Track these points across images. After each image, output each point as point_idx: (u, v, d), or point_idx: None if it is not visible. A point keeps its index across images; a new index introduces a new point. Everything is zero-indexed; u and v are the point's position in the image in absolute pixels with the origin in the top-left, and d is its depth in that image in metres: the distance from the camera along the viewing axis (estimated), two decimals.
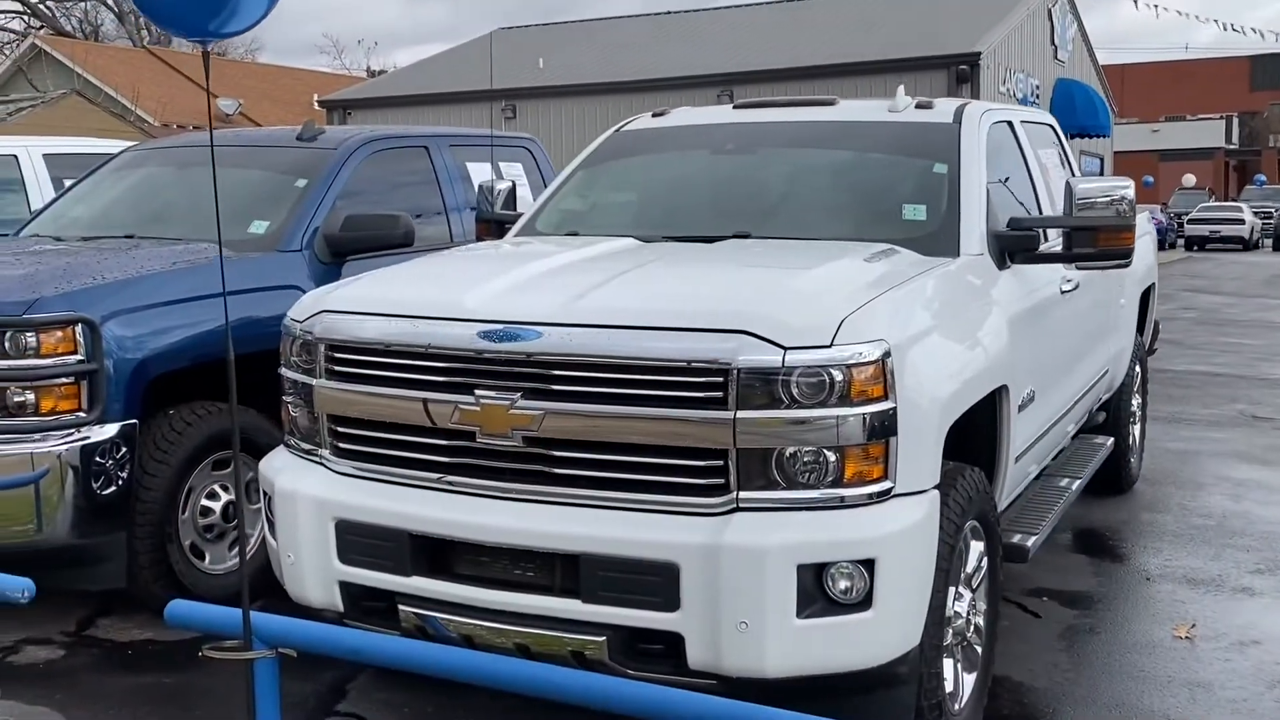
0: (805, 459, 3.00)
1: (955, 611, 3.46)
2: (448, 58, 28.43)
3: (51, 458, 4.30)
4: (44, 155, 7.54)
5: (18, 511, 4.32)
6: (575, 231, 4.48)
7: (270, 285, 5.09)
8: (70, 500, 4.34)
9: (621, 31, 27.50)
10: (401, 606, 3.32)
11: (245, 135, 6.20)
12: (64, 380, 4.30)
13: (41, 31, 40.61)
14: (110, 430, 4.40)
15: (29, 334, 4.27)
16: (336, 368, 3.48)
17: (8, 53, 41.36)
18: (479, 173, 6.47)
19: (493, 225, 5.00)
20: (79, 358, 4.33)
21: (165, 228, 5.48)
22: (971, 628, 3.62)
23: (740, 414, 2.97)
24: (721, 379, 2.99)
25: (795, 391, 2.97)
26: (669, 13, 28.96)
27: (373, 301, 3.49)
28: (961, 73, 20.60)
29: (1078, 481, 5.10)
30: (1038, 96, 23.90)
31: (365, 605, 3.43)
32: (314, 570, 3.45)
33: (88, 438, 4.36)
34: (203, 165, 5.94)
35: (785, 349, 2.97)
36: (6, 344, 4.28)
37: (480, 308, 3.28)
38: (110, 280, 4.57)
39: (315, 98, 38.47)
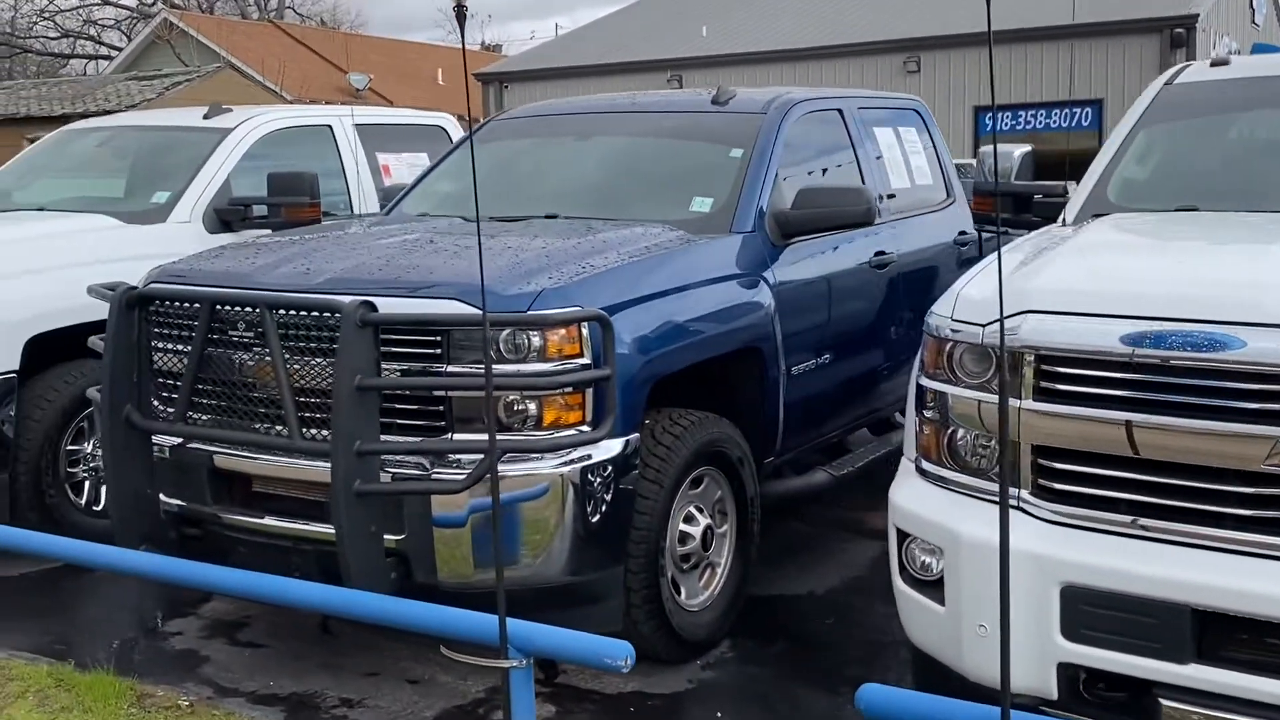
0: None
1: None
2: (603, 26, 27.63)
3: (552, 479, 3.61)
4: (355, 126, 6.93)
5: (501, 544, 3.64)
6: (1192, 206, 3.63)
7: (732, 274, 4.35)
8: (569, 530, 3.64)
9: None
10: (1167, 701, 2.55)
11: (648, 101, 5.46)
12: (568, 388, 3.60)
13: (154, 6, 40.51)
14: (614, 447, 3.70)
15: (532, 333, 3.57)
16: (1057, 386, 2.69)
17: (124, 28, 41.57)
18: (883, 137, 5.67)
19: (1007, 199, 4.19)
20: (585, 361, 3.62)
21: (585, 205, 4.77)
22: None
23: None
24: None
25: None
26: None
27: (1114, 300, 2.69)
28: (1177, 36, 19.22)
29: None
30: None
31: (1095, 694, 2.66)
32: (1021, 646, 2.68)
33: (590, 456, 3.65)
34: (614, 135, 5.22)
35: None
36: (502, 345, 3.59)
37: None
38: (601, 269, 3.86)
39: (440, 71, 38.13)
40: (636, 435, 3.79)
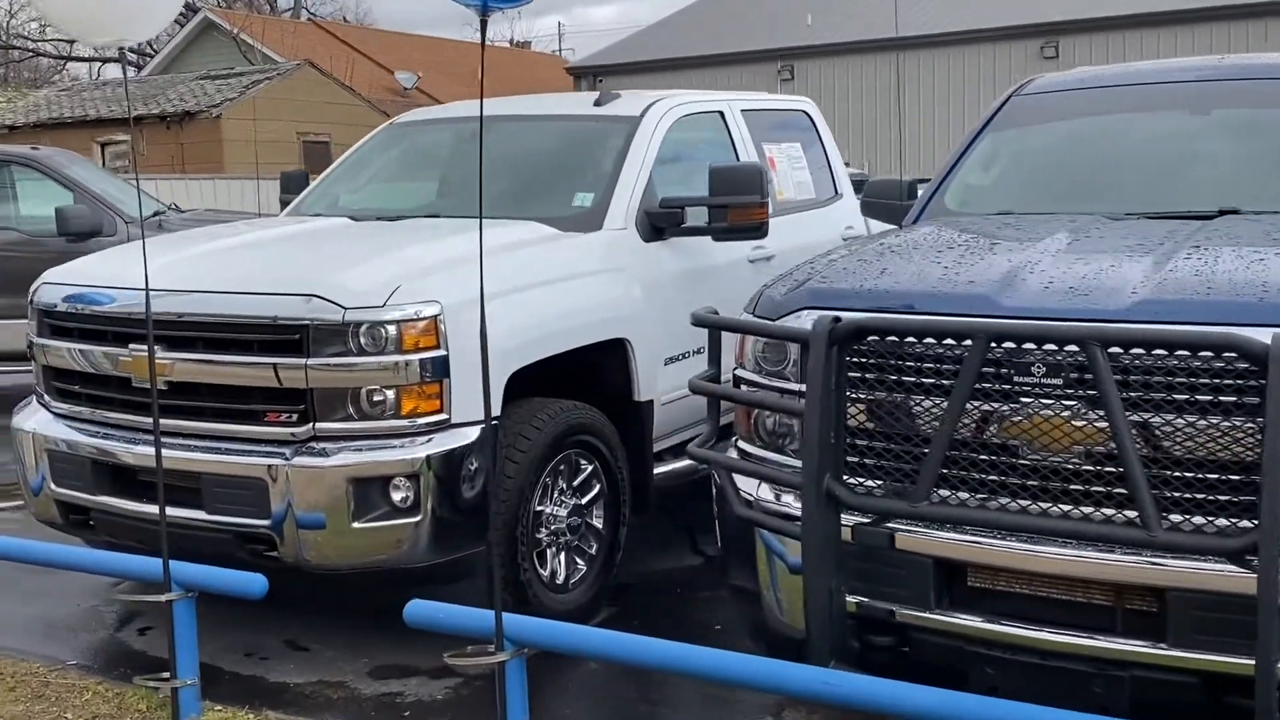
0: None
1: None
2: (697, 14, 26.46)
3: None
4: (743, 111, 5.90)
5: None
6: None
7: None
8: None
9: None
10: None
11: (1251, 66, 4.40)
12: None
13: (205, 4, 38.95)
14: None
15: None
16: None
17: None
18: None
19: None
20: None
21: (1265, 196, 3.73)
22: None
23: None
24: None
25: None
26: None
27: None
28: None
29: None
30: None
31: None
32: None
33: None
34: (1240, 108, 4.17)
35: None
36: None
37: None
38: None
39: (498, 64, 36.93)
40: None
